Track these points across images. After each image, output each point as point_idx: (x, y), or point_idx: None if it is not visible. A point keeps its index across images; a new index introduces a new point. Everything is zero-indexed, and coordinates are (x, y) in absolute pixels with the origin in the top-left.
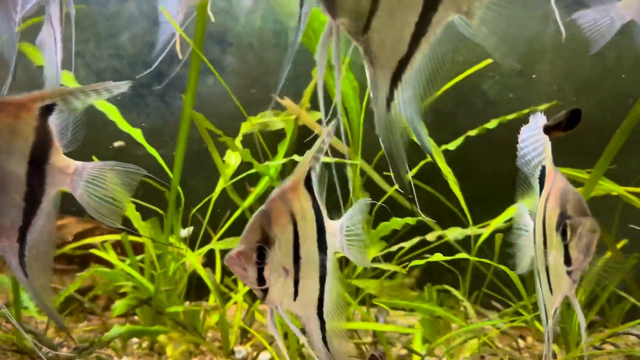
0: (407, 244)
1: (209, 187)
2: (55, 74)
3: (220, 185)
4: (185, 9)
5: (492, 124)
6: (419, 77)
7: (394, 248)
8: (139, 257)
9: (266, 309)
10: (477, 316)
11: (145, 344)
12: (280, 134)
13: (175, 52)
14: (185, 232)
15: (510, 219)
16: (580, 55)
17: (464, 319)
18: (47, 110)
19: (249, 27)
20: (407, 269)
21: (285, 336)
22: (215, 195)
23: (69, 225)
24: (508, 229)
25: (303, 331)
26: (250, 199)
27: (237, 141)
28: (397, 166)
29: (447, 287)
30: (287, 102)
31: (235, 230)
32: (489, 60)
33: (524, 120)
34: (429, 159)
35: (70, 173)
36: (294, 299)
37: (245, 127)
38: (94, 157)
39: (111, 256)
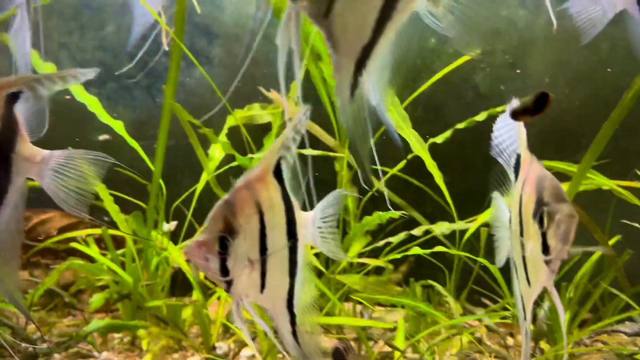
0: (394, 239)
1: (196, 181)
2: (26, 63)
3: (204, 178)
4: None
5: (481, 116)
6: (385, 64)
7: (381, 243)
8: (120, 252)
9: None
10: (464, 313)
11: (127, 339)
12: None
13: (160, 44)
14: (167, 226)
15: None
16: (573, 46)
17: (450, 315)
18: (13, 97)
19: (235, 17)
20: (392, 265)
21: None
22: (199, 188)
23: (53, 219)
24: None
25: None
26: None
27: (223, 134)
28: (362, 156)
29: (431, 282)
30: (273, 94)
31: None
32: (478, 51)
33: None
34: (415, 153)
35: (37, 162)
36: (261, 292)
37: (230, 121)
38: None
39: (93, 250)
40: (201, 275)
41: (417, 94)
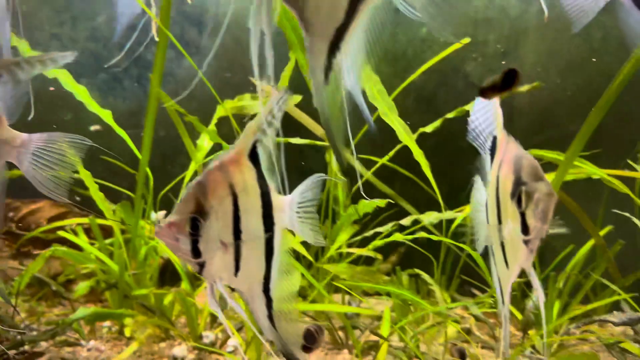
0: (383, 229)
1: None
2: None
3: (192, 168)
4: None
5: (471, 105)
6: (359, 46)
7: (370, 233)
8: (108, 241)
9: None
10: (451, 302)
11: (115, 329)
12: None
13: (149, 33)
14: (155, 215)
15: None
16: (566, 36)
17: (436, 304)
18: None
19: (226, 8)
20: (381, 256)
21: None
22: (187, 177)
23: (43, 208)
24: None
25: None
26: None
27: (212, 124)
28: (336, 140)
29: (418, 271)
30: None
31: None
32: (468, 39)
33: (505, 102)
34: (404, 143)
35: (16, 145)
36: (235, 275)
37: (220, 111)
38: None
39: (81, 239)
40: (189, 266)
41: (407, 83)
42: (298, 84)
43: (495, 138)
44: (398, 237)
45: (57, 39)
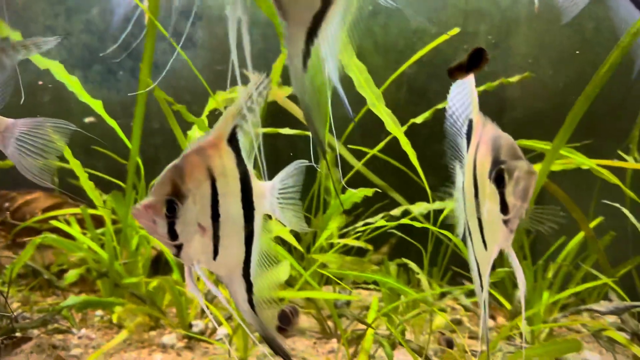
0: (373, 220)
1: None
2: None
3: None
4: None
5: None
6: (336, 33)
7: (359, 224)
8: (100, 230)
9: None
10: (440, 293)
11: (107, 318)
12: None
13: (143, 26)
14: None
15: None
16: (557, 27)
17: (429, 296)
18: None
19: (220, 0)
20: (371, 246)
21: None
22: None
23: (38, 199)
24: None
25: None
26: None
27: (204, 115)
28: (315, 128)
29: (405, 260)
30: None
31: None
32: (457, 30)
33: (495, 92)
34: (393, 134)
35: (1, 130)
36: (214, 258)
37: (212, 103)
38: None
39: (74, 229)
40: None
41: (397, 74)
42: (288, 75)
43: (471, 122)
44: (381, 222)
45: (52, 31)
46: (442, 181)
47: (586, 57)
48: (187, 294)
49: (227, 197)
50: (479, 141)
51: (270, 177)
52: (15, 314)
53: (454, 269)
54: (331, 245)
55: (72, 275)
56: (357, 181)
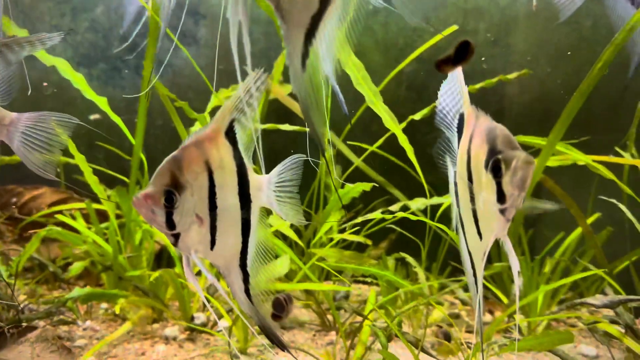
0: (372, 216)
1: None
2: None
3: None
4: None
5: None
6: (334, 33)
7: (359, 220)
8: (104, 225)
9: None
10: (440, 288)
11: (111, 311)
12: None
13: (147, 25)
14: None
15: None
16: (555, 24)
17: (422, 289)
18: None
19: None
20: (370, 241)
21: None
22: None
23: (44, 194)
24: None
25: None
26: None
27: (207, 112)
28: (314, 125)
29: (403, 254)
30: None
31: None
32: (455, 27)
33: (494, 89)
34: (392, 131)
35: (6, 124)
36: (211, 249)
37: (214, 100)
38: None
39: (79, 223)
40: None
41: (396, 72)
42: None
43: (462, 115)
44: (377, 215)
45: (58, 30)
46: (441, 177)
47: (584, 55)
48: (189, 287)
49: (224, 189)
50: (472, 133)
51: None
52: (21, 305)
53: (452, 263)
54: (331, 240)
55: (76, 267)
56: (358, 178)
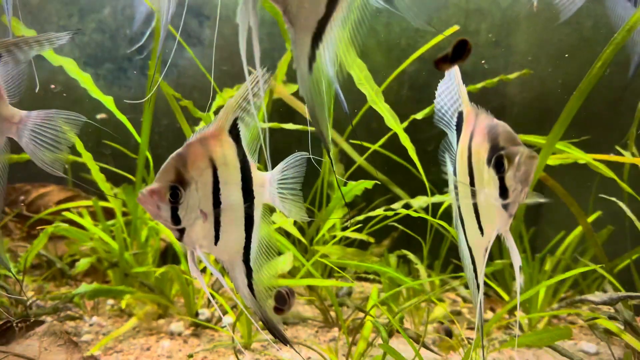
0: (375, 213)
1: None
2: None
3: None
4: None
5: None
6: (340, 37)
7: (361, 217)
8: (110, 222)
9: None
10: (441, 284)
11: (117, 307)
12: None
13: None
14: None
15: None
16: (556, 25)
17: (422, 285)
18: None
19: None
20: (373, 239)
21: None
22: None
23: (52, 192)
24: None
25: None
26: None
27: (211, 112)
28: (320, 126)
29: (405, 251)
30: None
31: None
32: (456, 27)
33: (495, 89)
34: (394, 130)
35: (15, 122)
36: (215, 244)
37: (219, 100)
38: None
39: (86, 221)
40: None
41: (398, 72)
42: (295, 74)
43: (460, 114)
44: (379, 212)
45: (65, 31)
46: (443, 176)
47: (585, 54)
48: (195, 284)
49: (227, 186)
50: (472, 130)
51: None
52: (29, 301)
53: (454, 261)
54: (334, 238)
55: (83, 263)
56: (360, 177)
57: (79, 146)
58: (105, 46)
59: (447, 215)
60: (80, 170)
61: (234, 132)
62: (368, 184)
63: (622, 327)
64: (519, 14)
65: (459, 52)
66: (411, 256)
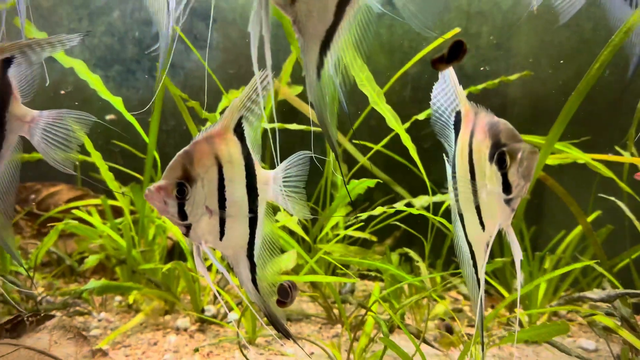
0: (377, 212)
1: None
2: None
3: None
4: None
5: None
6: (346, 44)
7: (364, 215)
8: (118, 220)
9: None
10: (442, 283)
11: (125, 303)
12: None
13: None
14: None
15: None
16: (557, 27)
17: (423, 282)
18: (7, 62)
19: (232, 2)
20: (375, 238)
21: None
22: None
23: (61, 191)
24: None
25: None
26: None
27: (217, 112)
28: (328, 130)
29: (406, 249)
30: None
31: None
32: (457, 30)
33: (496, 90)
34: (395, 132)
35: (27, 121)
36: (220, 239)
37: (225, 101)
38: None
39: (95, 219)
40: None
41: (401, 73)
42: (299, 75)
43: (458, 113)
44: (380, 209)
45: (75, 33)
46: (445, 175)
47: (585, 56)
48: (201, 281)
49: (232, 183)
50: (473, 128)
51: None
52: (39, 297)
53: (455, 260)
54: (337, 236)
55: (92, 259)
56: (362, 176)
57: (89, 146)
58: (115, 49)
59: (448, 214)
60: (90, 170)
61: (239, 131)
62: (370, 182)
63: (620, 324)
64: (520, 16)
65: (454, 52)
66: (412, 253)
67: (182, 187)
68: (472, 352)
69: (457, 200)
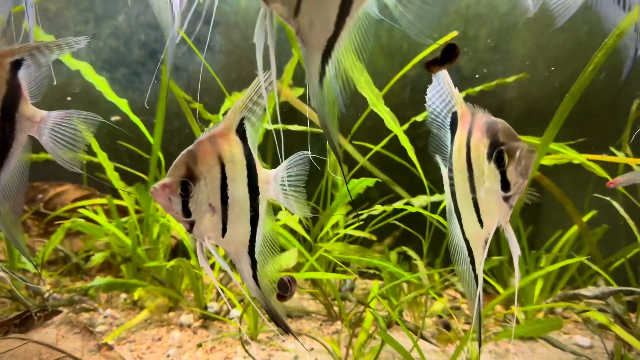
0: (376, 211)
1: None
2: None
3: None
4: None
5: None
6: (347, 53)
7: (364, 215)
8: (124, 219)
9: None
10: (440, 280)
11: (130, 300)
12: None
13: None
14: None
15: None
16: (553, 31)
17: (421, 280)
18: (17, 64)
19: (235, 6)
20: (375, 237)
21: None
22: None
23: (68, 191)
24: None
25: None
26: None
27: (220, 114)
28: (331, 134)
29: (404, 248)
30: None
31: None
32: (455, 33)
33: (494, 92)
34: (394, 133)
35: (37, 121)
36: (223, 236)
37: (228, 103)
38: None
39: (101, 218)
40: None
41: (400, 76)
42: (301, 78)
43: (455, 114)
44: (380, 208)
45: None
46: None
47: (580, 59)
48: (204, 278)
49: (234, 181)
50: (470, 128)
51: None
52: (46, 294)
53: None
54: (337, 235)
55: (98, 257)
56: (363, 176)
57: (95, 146)
58: (120, 51)
59: (446, 213)
60: (95, 170)
61: (241, 131)
62: (370, 181)
63: (612, 320)
64: (517, 20)
65: (447, 55)
66: (410, 252)
67: (186, 185)
68: (469, 348)
69: (453, 198)
